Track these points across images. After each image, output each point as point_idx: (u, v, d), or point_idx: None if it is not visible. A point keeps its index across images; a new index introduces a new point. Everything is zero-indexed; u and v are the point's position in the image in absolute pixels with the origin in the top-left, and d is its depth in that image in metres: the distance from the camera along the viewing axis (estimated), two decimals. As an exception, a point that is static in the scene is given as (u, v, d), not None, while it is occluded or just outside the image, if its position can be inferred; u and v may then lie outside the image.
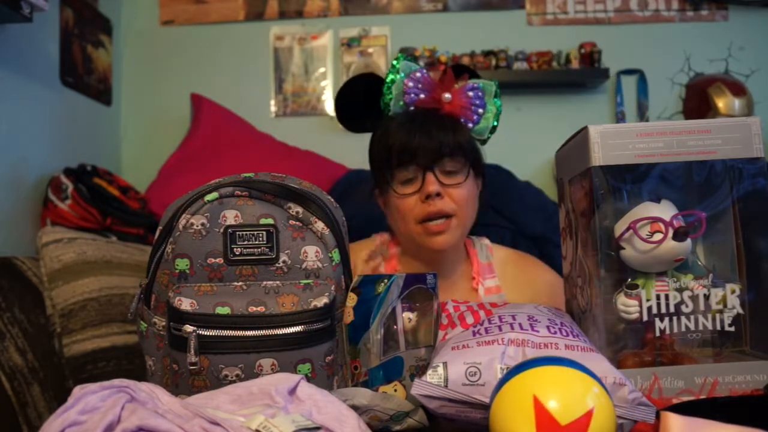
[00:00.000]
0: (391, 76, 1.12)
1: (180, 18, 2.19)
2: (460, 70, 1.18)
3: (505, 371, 0.57)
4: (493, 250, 1.25)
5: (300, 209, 0.70)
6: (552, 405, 0.47)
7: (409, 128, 1.08)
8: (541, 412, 0.47)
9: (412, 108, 1.12)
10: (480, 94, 1.13)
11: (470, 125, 1.13)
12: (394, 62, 1.12)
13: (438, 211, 1.07)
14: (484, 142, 1.17)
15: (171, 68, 2.18)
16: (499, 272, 1.21)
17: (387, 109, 1.13)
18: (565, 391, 0.49)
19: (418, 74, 1.12)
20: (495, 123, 1.14)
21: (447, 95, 1.11)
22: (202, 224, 0.68)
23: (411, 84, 1.11)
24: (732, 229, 0.75)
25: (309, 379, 0.63)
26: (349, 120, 1.22)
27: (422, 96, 1.11)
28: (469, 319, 0.73)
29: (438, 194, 1.06)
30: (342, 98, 1.20)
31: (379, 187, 1.18)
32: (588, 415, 0.47)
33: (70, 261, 1.32)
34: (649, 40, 2.16)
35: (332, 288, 0.69)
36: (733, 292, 0.72)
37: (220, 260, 0.68)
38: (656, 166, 0.73)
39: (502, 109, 1.15)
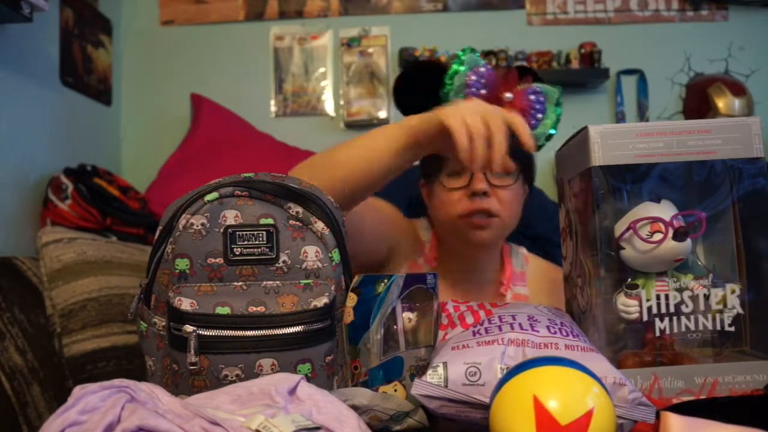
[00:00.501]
0: (455, 67, 1.08)
1: (180, 18, 2.19)
2: (524, 71, 1.14)
3: (505, 371, 0.57)
4: (529, 259, 1.24)
5: (300, 209, 0.70)
6: (552, 405, 0.47)
7: None
8: (541, 412, 0.47)
9: None
10: (541, 98, 1.09)
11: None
12: (460, 53, 1.08)
13: (483, 209, 1.06)
14: (538, 148, 1.15)
15: (171, 68, 2.18)
16: (530, 282, 1.20)
17: (446, 99, 1.09)
18: (565, 391, 0.49)
19: (483, 69, 1.08)
20: (553, 131, 1.11)
21: (508, 95, 1.07)
22: (202, 224, 0.68)
23: (474, 78, 1.07)
24: (732, 229, 0.75)
25: (309, 379, 0.63)
26: (405, 105, 1.17)
27: (483, 92, 1.07)
28: (469, 319, 0.73)
29: (485, 193, 1.05)
30: (401, 83, 1.17)
31: (425, 177, 1.16)
32: (588, 415, 0.47)
33: (70, 261, 1.32)
34: (649, 40, 2.16)
35: (332, 288, 0.69)
36: (733, 292, 0.72)
37: (220, 260, 0.68)
38: (656, 166, 0.73)
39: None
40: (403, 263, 1.16)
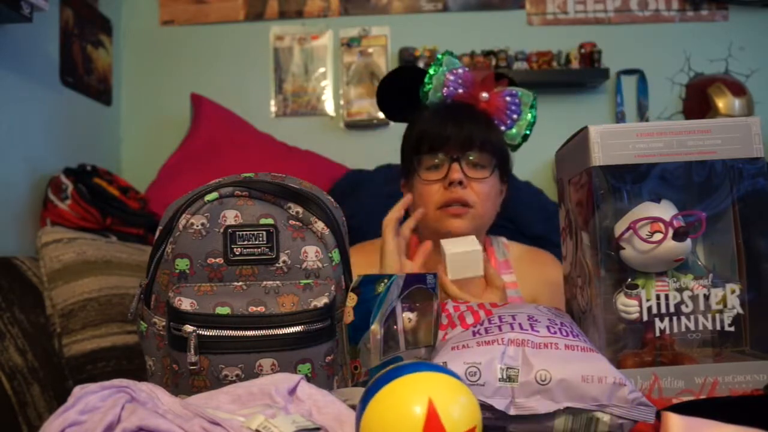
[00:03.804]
0: (433, 68, 1.15)
1: (180, 18, 2.19)
2: (500, 76, 1.21)
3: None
4: (509, 247, 1.26)
5: (300, 209, 0.70)
6: (399, 427, 0.45)
7: (443, 117, 1.11)
8: None
9: (449, 101, 1.14)
10: (517, 101, 1.17)
11: (503, 128, 1.16)
12: (439, 56, 1.16)
13: (458, 198, 1.09)
14: (514, 148, 1.19)
15: (171, 68, 2.18)
16: (515, 268, 1.22)
17: (425, 98, 1.16)
18: (399, 407, 0.46)
19: (460, 70, 1.15)
20: (527, 132, 1.17)
21: (485, 94, 1.14)
22: (202, 224, 0.68)
23: (452, 78, 1.14)
24: (732, 229, 0.75)
25: (309, 379, 0.63)
26: (389, 108, 1.25)
27: (460, 91, 1.14)
28: (469, 319, 0.73)
29: (461, 183, 1.08)
30: (384, 87, 1.23)
31: (406, 175, 1.19)
32: (431, 408, 0.45)
33: (69, 261, 1.32)
34: (649, 40, 2.16)
35: (332, 288, 0.69)
36: (733, 292, 0.72)
37: (220, 260, 0.68)
38: (656, 166, 0.73)
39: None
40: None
